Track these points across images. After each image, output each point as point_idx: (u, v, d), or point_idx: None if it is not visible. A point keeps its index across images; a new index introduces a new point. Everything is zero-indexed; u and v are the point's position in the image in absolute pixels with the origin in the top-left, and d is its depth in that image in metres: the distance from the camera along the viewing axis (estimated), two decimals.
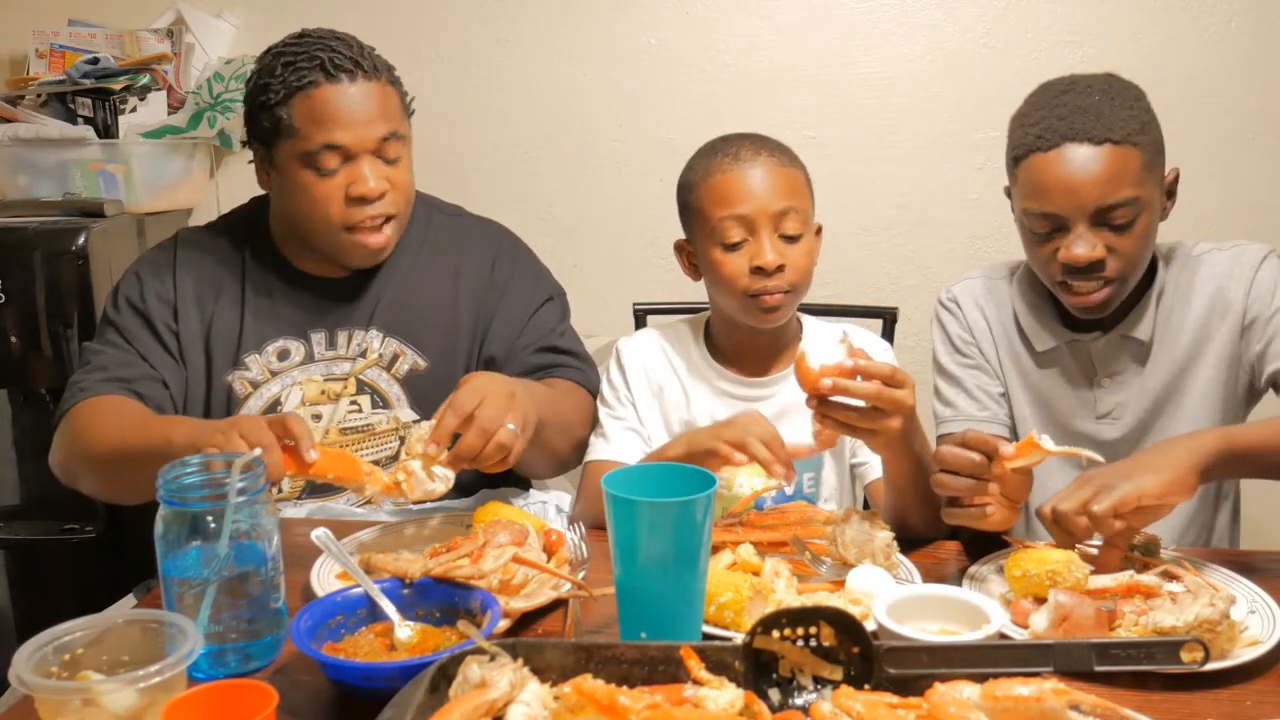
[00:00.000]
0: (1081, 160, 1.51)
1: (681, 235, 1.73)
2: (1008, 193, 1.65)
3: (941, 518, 1.44)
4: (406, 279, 1.77)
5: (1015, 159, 1.59)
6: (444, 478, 1.38)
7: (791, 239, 1.61)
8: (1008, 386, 1.75)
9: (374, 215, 1.66)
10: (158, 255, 1.80)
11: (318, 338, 1.75)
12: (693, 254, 1.70)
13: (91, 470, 1.62)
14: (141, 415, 1.61)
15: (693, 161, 1.68)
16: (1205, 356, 1.66)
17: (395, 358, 1.75)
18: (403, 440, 1.74)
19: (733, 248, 1.61)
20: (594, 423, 1.74)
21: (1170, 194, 1.62)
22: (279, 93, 1.64)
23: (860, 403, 1.35)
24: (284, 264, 1.77)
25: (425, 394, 1.73)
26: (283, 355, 1.74)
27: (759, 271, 1.59)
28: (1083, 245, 1.53)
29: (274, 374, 1.73)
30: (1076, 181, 1.51)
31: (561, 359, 1.77)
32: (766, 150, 1.63)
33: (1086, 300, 1.58)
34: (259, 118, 1.67)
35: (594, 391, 1.77)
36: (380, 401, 1.74)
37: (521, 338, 1.77)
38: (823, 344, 1.36)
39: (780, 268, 1.60)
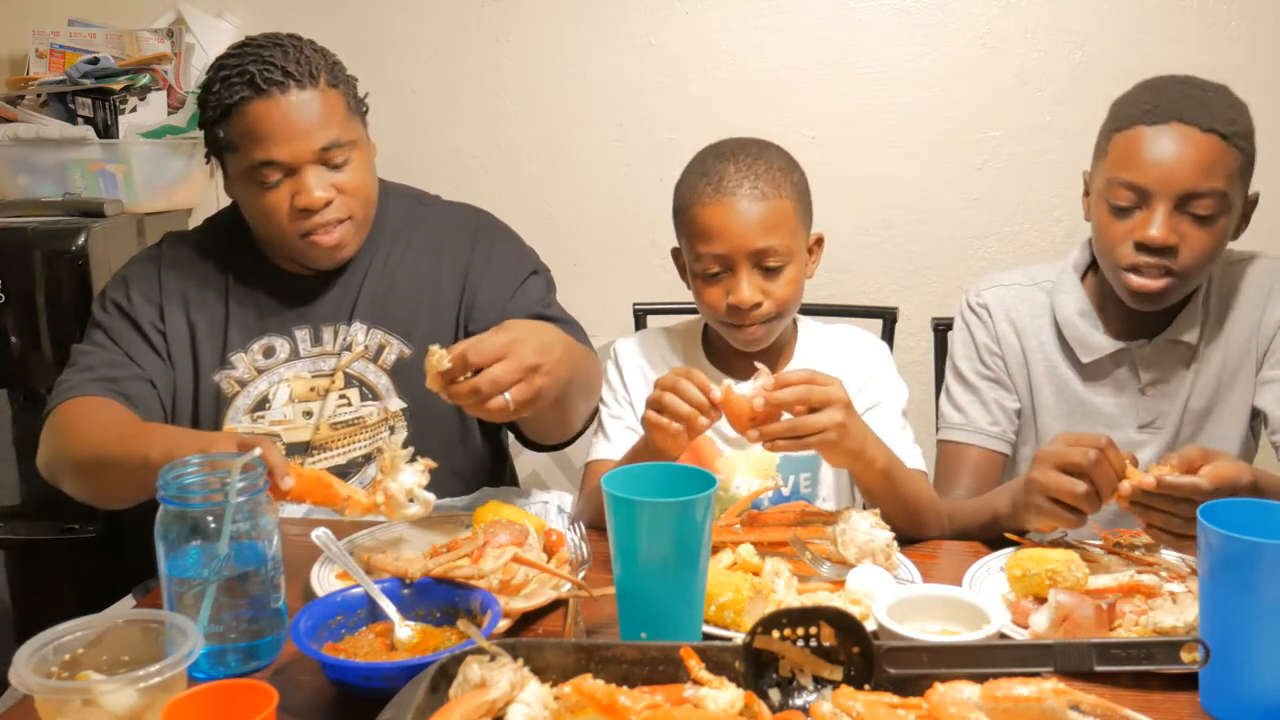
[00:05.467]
0: (1184, 140, 1.53)
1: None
2: (1086, 177, 1.66)
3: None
4: (385, 268, 1.77)
5: (1114, 130, 1.59)
6: (424, 500, 1.36)
7: (773, 270, 1.60)
8: (1036, 402, 1.74)
9: (324, 222, 1.66)
10: (143, 258, 1.82)
11: (302, 334, 1.75)
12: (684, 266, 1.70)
13: (71, 473, 1.61)
14: (122, 422, 1.59)
15: (684, 177, 1.66)
16: (1243, 372, 1.67)
17: (381, 348, 1.75)
18: (393, 430, 1.74)
19: (711, 279, 1.61)
20: (599, 371, 1.71)
21: (1245, 217, 1.62)
22: (216, 110, 1.64)
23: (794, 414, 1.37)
24: (265, 263, 1.77)
25: (413, 381, 1.73)
26: (268, 353, 1.75)
27: (734, 309, 1.59)
28: (1160, 226, 1.53)
29: (260, 372, 1.74)
30: (1174, 159, 1.53)
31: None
32: (751, 179, 1.58)
33: (1146, 285, 1.56)
34: (207, 132, 1.68)
35: (590, 349, 1.74)
36: (369, 393, 1.74)
37: (509, 305, 1.75)
38: (742, 384, 1.39)
39: (758, 304, 1.59)
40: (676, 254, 1.72)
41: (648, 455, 1.44)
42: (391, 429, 1.74)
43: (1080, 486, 1.33)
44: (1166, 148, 1.53)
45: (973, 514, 1.55)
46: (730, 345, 1.71)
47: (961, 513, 1.56)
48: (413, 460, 1.38)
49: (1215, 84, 1.61)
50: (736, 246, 1.57)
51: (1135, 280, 1.57)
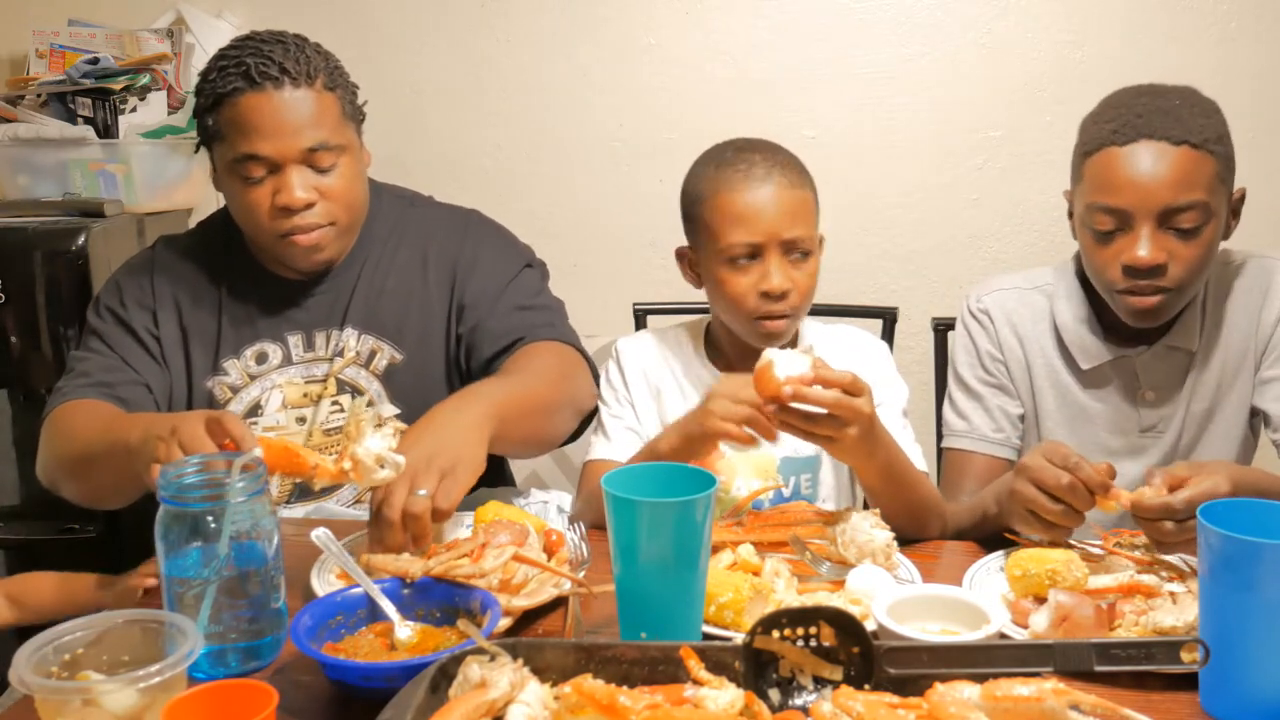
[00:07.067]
0: (1157, 157, 1.50)
1: (681, 240, 1.72)
2: (1068, 196, 1.65)
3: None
4: (375, 273, 1.77)
5: (1086, 154, 1.57)
6: (394, 464, 1.32)
7: (799, 259, 1.61)
8: (1038, 407, 1.74)
9: (304, 225, 1.64)
10: (136, 263, 1.81)
11: (294, 340, 1.75)
12: (695, 262, 1.69)
13: (66, 474, 1.61)
14: (108, 416, 1.59)
15: (700, 170, 1.66)
16: (1243, 372, 1.67)
17: (373, 354, 1.74)
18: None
19: (740, 268, 1.61)
20: (580, 374, 1.70)
21: (1235, 213, 1.60)
22: (209, 98, 1.63)
23: (819, 409, 1.35)
24: (257, 267, 1.77)
25: (404, 387, 1.73)
26: (260, 359, 1.74)
27: (765, 296, 1.59)
28: (1146, 247, 1.51)
29: (253, 378, 1.73)
30: (1149, 178, 1.50)
31: (534, 316, 1.74)
32: (779, 169, 1.60)
33: (1141, 303, 1.55)
34: (199, 120, 1.68)
35: (572, 344, 1.74)
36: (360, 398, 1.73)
37: (499, 302, 1.75)
38: (790, 355, 1.35)
39: (786, 292, 1.59)
40: (682, 255, 1.71)
41: (677, 453, 1.42)
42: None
43: (1057, 506, 1.34)
44: (1139, 167, 1.51)
45: (965, 515, 1.56)
46: (734, 345, 1.71)
47: (955, 515, 1.57)
48: (380, 424, 1.35)
49: (1179, 88, 1.58)
50: (769, 232, 1.58)
51: (1129, 298, 1.56)
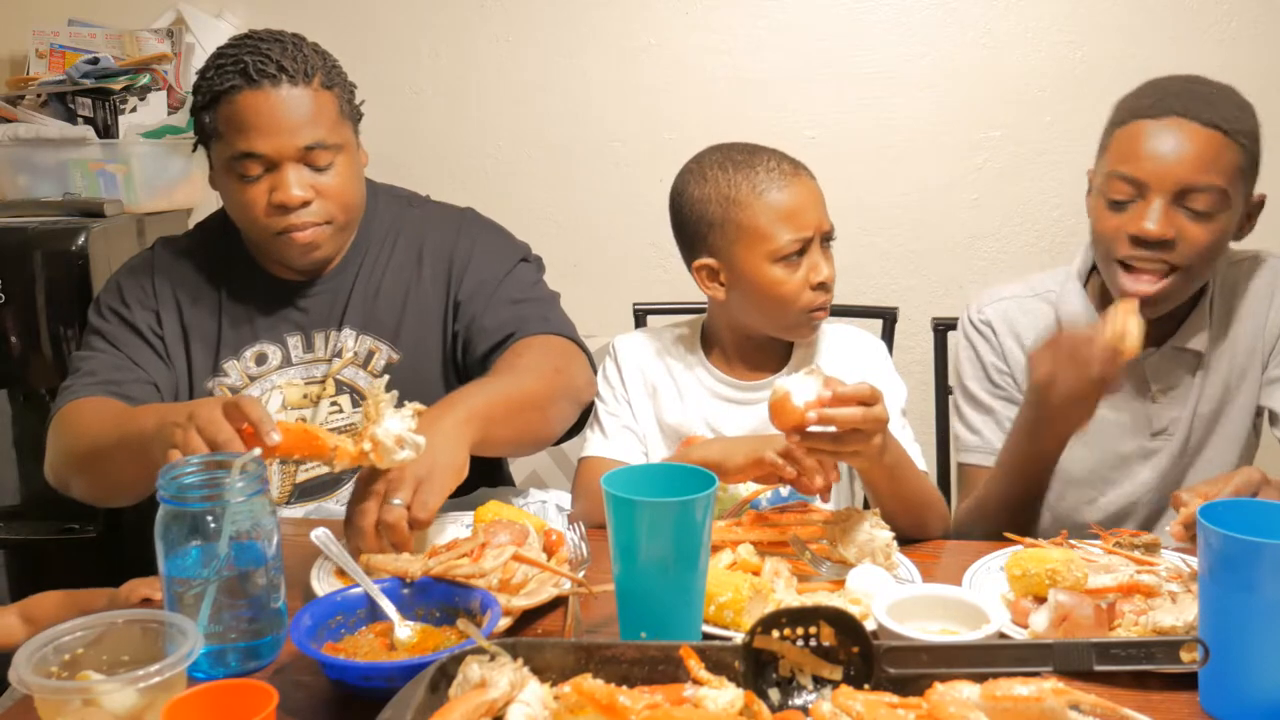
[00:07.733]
0: (1184, 134, 1.52)
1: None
2: (1090, 175, 1.65)
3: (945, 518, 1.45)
4: (372, 273, 1.77)
5: (1116, 123, 1.59)
6: (414, 444, 1.32)
7: (827, 250, 1.64)
8: None
9: (300, 223, 1.64)
10: (136, 264, 1.81)
11: (294, 341, 1.75)
12: (721, 271, 1.65)
13: (77, 471, 1.61)
14: (118, 411, 1.59)
15: (720, 176, 1.62)
16: (1250, 372, 1.67)
17: (371, 354, 1.75)
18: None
19: (792, 265, 1.60)
20: (576, 364, 1.70)
21: (1250, 216, 1.60)
22: (206, 96, 1.64)
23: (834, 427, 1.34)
24: (257, 268, 1.77)
25: (403, 387, 1.72)
26: (260, 360, 1.74)
27: (820, 287, 1.61)
28: (1155, 219, 1.52)
29: (253, 379, 1.73)
30: (1172, 153, 1.51)
31: (527, 309, 1.74)
32: (802, 167, 1.64)
33: (1144, 290, 1.55)
34: (196, 118, 1.68)
35: (567, 334, 1.73)
36: (360, 400, 1.73)
37: (494, 297, 1.74)
38: (799, 380, 1.34)
39: (830, 281, 1.62)
40: (701, 269, 1.66)
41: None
42: None
43: (1091, 370, 1.40)
44: (1165, 141, 1.52)
45: (998, 480, 1.58)
46: (733, 345, 1.71)
47: (989, 487, 1.59)
48: (399, 405, 1.34)
49: (1221, 84, 1.60)
50: (815, 225, 1.60)
51: (1131, 277, 1.56)
